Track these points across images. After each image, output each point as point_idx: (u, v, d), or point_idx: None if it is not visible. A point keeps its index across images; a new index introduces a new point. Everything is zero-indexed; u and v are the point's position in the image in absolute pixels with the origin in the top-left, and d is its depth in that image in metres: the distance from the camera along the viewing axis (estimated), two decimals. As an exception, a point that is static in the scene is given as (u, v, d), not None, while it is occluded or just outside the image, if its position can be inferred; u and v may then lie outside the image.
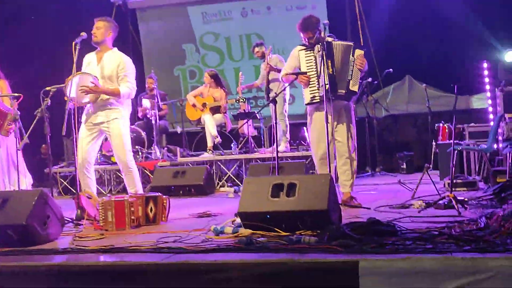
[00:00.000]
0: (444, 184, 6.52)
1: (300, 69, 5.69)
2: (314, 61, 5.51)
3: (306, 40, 5.63)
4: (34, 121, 5.34)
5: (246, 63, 11.95)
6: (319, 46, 5.45)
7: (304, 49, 5.62)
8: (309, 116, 5.73)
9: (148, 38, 12.50)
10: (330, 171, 5.44)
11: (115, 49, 5.85)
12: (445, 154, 7.39)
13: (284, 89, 7.57)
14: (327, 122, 5.27)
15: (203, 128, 9.10)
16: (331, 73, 5.45)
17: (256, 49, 8.80)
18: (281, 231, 3.89)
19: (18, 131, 5.81)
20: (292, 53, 5.78)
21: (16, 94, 6.08)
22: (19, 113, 5.99)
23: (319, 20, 5.63)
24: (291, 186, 4.17)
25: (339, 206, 4.35)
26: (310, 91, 5.57)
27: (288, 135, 8.68)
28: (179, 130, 9.93)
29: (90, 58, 5.84)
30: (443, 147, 7.72)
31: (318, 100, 5.47)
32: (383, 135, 10.60)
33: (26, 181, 6.67)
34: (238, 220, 4.32)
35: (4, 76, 6.81)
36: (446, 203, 4.90)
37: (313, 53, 5.53)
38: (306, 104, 5.72)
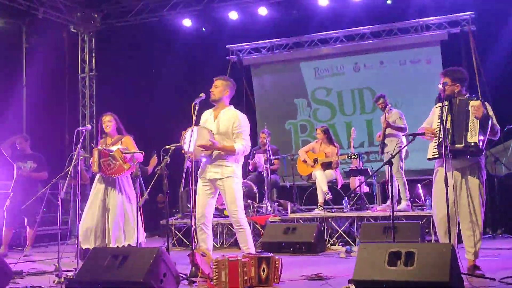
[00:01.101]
0: None
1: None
2: (441, 116, 5.32)
3: (442, 84, 5.40)
4: (154, 178, 5.54)
5: (357, 118, 11.88)
6: (445, 101, 5.30)
7: (439, 106, 5.45)
8: (434, 171, 5.51)
9: (261, 93, 12.78)
10: (450, 235, 5.17)
11: (231, 106, 5.99)
12: None
13: (400, 150, 7.41)
14: (446, 181, 5.02)
15: (314, 183, 9.06)
16: (448, 127, 5.27)
17: (381, 100, 8.64)
18: (398, 303, 3.73)
19: (139, 187, 6.05)
20: (432, 109, 5.66)
21: (138, 152, 6.38)
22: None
23: (463, 74, 5.48)
24: (409, 254, 4.02)
25: (461, 277, 4.11)
26: (433, 146, 5.37)
27: (407, 193, 8.37)
28: (288, 184, 9.96)
29: (207, 115, 6.00)
30: None
31: (437, 155, 5.27)
32: (505, 194, 9.99)
33: (142, 237, 6.90)
34: (352, 287, 4.20)
35: (126, 133, 7.15)
36: None
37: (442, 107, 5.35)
38: (428, 159, 5.50)
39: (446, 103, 5.32)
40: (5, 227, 8.37)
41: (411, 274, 3.90)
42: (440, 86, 5.37)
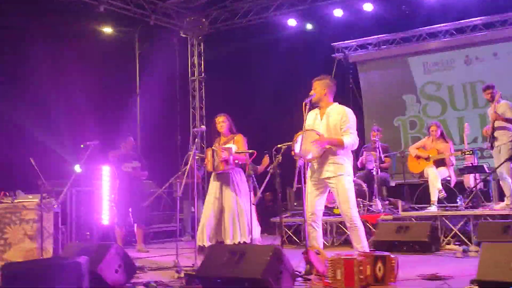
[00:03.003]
0: None
1: None
2: None
3: None
4: (267, 177, 5.63)
5: (470, 113, 11.46)
6: None
7: None
8: None
9: (368, 90, 12.64)
10: None
11: (336, 103, 5.99)
12: None
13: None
14: None
15: (426, 181, 8.81)
16: None
17: (489, 90, 8.26)
18: (526, 305, 3.58)
19: (252, 186, 6.18)
20: None
21: (250, 151, 6.51)
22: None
23: None
24: (537, 255, 3.83)
25: None
26: None
27: None
28: (395, 182, 9.78)
29: (314, 115, 6.02)
30: None
31: None
32: None
33: (257, 233, 7.03)
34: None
35: (237, 131, 7.30)
36: None
37: None
38: None
39: None
40: (117, 226, 8.81)
41: (539, 275, 3.72)
42: None
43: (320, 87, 5.89)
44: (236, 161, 6.99)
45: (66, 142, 9.73)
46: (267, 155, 7.11)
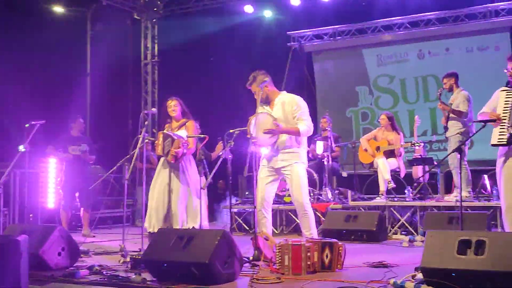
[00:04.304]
0: None
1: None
2: (511, 102, 5.10)
3: (507, 70, 5.20)
4: (218, 162, 5.57)
5: (421, 106, 11.65)
6: None
7: (506, 90, 5.22)
8: (499, 159, 5.27)
9: (322, 80, 12.69)
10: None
11: (283, 92, 5.99)
12: None
13: (469, 137, 7.13)
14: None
15: (376, 171, 8.91)
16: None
17: (445, 80, 8.33)
18: (468, 292, 3.63)
19: (203, 171, 6.10)
20: (494, 93, 5.41)
21: (202, 136, 6.41)
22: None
23: None
24: (480, 243, 3.89)
25: (534, 268, 3.95)
26: (499, 132, 5.14)
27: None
28: (344, 174, 9.86)
29: (266, 107, 5.99)
30: None
31: (505, 142, 5.05)
32: None
33: (205, 219, 6.95)
34: (419, 275, 4.12)
35: (192, 117, 7.17)
36: None
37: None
38: (492, 145, 5.27)
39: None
40: (62, 209, 8.61)
41: (482, 263, 3.77)
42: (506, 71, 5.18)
43: (260, 87, 5.84)
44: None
45: (10, 122, 9.41)
46: (221, 141, 7.01)
